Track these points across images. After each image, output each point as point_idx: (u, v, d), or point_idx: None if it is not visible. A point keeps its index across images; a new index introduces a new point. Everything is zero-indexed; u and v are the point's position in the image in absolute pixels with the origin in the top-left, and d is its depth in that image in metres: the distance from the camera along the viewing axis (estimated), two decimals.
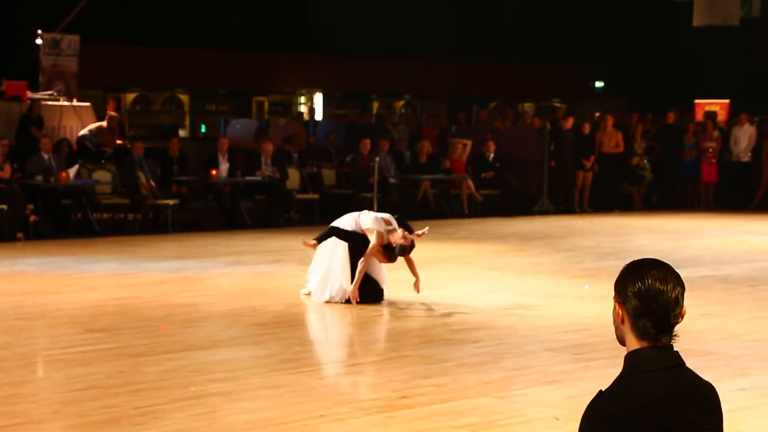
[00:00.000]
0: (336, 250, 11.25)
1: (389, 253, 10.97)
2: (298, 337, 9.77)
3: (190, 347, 8.91)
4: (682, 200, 23.95)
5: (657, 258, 3.21)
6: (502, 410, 7.07)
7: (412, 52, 30.69)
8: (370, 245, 10.97)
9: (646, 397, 3.04)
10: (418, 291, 11.14)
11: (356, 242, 11.15)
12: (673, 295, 3.10)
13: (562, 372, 8.19)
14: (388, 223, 11.11)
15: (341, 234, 11.21)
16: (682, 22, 24.58)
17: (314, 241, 11.42)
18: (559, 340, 9.37)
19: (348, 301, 11.06)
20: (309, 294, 11.40)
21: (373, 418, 6.87)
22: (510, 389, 7.66)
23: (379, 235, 10.95)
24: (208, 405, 7.08)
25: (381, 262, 11.17)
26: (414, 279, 11.16)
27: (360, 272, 11.00)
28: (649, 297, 3.09)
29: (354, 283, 11.00)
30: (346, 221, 11.34)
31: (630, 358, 3.14)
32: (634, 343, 3.14)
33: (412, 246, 11.04)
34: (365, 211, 11.45)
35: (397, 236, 10.97)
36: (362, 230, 11.12)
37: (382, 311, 10.97)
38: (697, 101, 27.23)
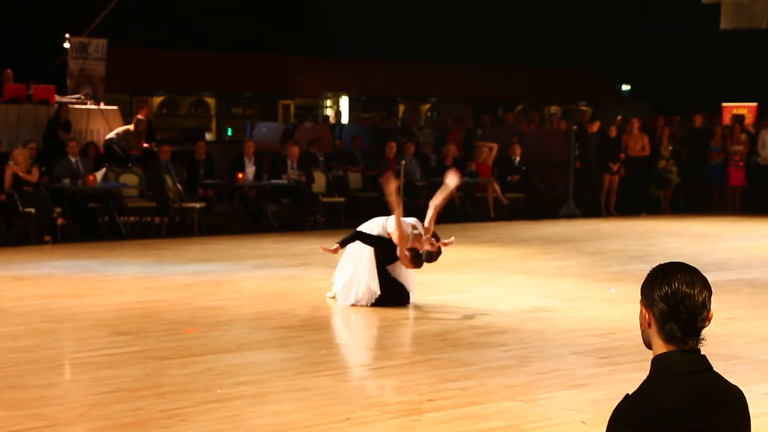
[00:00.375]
0: (363, 253, 11.24)
1: (416, 258, 10.94)
2: (323, 340, 9.78)
3: (215, 350, 8.93)
4: (709, 204, 23.85)
5: (684, 261, 3.20)
6: (528, 414, 7.05)
7: (437, 55, 30.69)
8: (393, 236, 10.89)
9: (673, 401, 3.02)
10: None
11: (382, 247, 11.14)
12: (700, 298, 3.09)
13: (588, 376, 8.16)
14: (414, 227, 11.09)
15: (366, 238, 11.20)
16: (710, 25, 24.47)
17: (336, 245, 11.40)
18: (586, 344, 9.34)
19: (374, 305, 11.06)
20: (334, 297, 11.41)
21: (399, 422, 6.86)
22: (536, 393, 7.63)
23: (403, 233, 10.86)
24: (233, 408, 7.09)
25: (407, 267, 11.15)
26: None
27: (398, 226, 10.91)
28: (676, 301, 3.08)
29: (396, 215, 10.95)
30: (374, 225, 11.33)
31: (657, 362, 3.13)
32: (660, 347, 3.13)
33: (439, 252, 11.01)
34: (393, 216, 11.42)
35: (424, 242, 10.95)
36: (388, 233, 11.11)
37: (408, 314, 10.97)
38: (724, 104, 27.10)
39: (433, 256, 10.94)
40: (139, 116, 20.26)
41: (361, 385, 8.28)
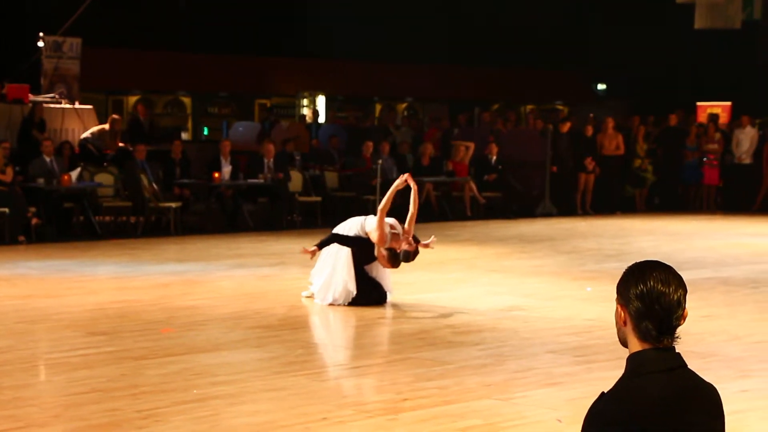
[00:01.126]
0: (340, 253, 11.24)
1: (394, 258, 10.95)
2: (300, 340, 9.76)
3: (192, 350, 8.90)
4: (684, 202, 23.95)
5: (659, 260, 3.21)
6: (505, 412, 7.07)
7: (413, 55, 30.70)
8: (372, 232, 10.91)
9: (648, 399, 3.04)
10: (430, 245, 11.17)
11: (359, 247, 11.14)
12: (675, 297, 3.10)
13: (564, 374, 8.18)
14: (393, 227, 11.10)
15: (343, 240, 11.19)
16: (684, 25, 24.58)
17: (314, 247, 11.36)
18: (561, 342, 9.36)
19: (351, 304, 11.06)
20: (311, 296, 11.40)
21: (376, 421, 6.86)
22: (512, 391, 7.65)
23: (383, 232, 10.88)
24: (210, 408, 7.07)
25: (385, 267, 11.16)
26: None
27: (380, 217, 10.94)
28: (651, 299, 3.09)
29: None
30: (351, 225, 11.33)
31: (632, 360, 3.14)
32: (636, 345, 3.14)
33: (416, 252, 11.03)
34: (371, 216, 11.42)
35: (401, 241, 10.96)
36: (367, 233, 11.12)
37: (385, 314, 10.97)
38: (699, 103, 27.22)
39: (410, 255, 10.95)
40: (115, 116, 20.19)
41: (338, 384, 8.28)
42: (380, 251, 10.96)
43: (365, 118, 28.09)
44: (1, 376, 7.93)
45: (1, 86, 19.32)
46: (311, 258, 11.31)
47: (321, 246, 11.31)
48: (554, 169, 22.20)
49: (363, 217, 11.40)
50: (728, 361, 8.67)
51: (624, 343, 3.20)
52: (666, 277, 3.12)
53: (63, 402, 7.28)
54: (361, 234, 11.16)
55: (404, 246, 10.91)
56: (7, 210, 16.15)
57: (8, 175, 16.39)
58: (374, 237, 10.96)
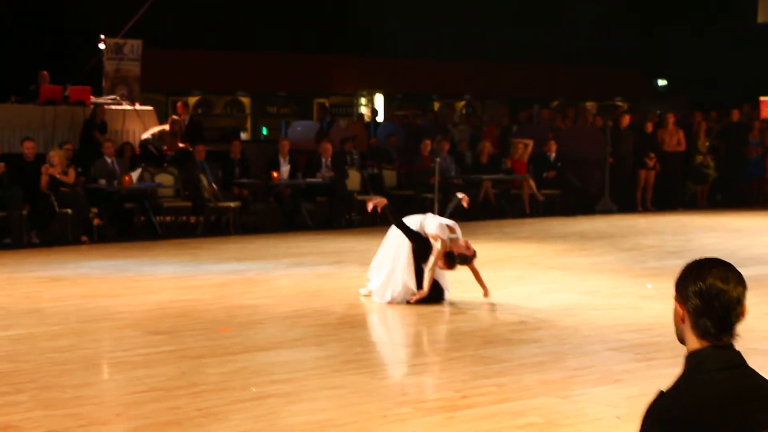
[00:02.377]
0: (400, 250, 11.24)
1: (450, 261, 10.96)
2: (359, 338, 9.77)
3: (251, 349, 8.94)
4: (747, 198, 23.66)
5: (719, 257, 3.16)
6: (564, 410, 7.02)
7: (472, 52, 30.63)
8: (434, 252, 10.95)
9: (706, 397, 3.00)
10: (487, 297, 11.13)
11: (420, 244, 11.13)
12: (735, 294, 3.06)
13: (624, 372, 8.11)
14: (452, 230, 11.08)
15: (407, 230, 11.18)
16: (747, 18, 24.27)
17: (383, 206, 11.44)
18: (621, 340, 9.29)
19: (410, 302, 11.05)
20: (369, 294, 11.40)
21: (434, 419, 6.85)
22: (571, 389, 7.60)
23: (443, 243, 10.94)
24: (268, 406, 7.10)
25: (440, 268, 11.15)
26: (482, 290, 11.15)
27: (429, 280, 10.98)
28: (710, 296, 3.05)
29: (425, 287, 11.00)
30: (412, 222, 11.33)
31: (690, 358, 3.10)
32: (694, 343, 3.10)
33: (474, 255, 10.99)
34: (430, 215, 11.41)
35: (460, 245, 10.94)
36: (425, 234, 11.11)
37: (443, 311, 10.94)
38: (762, 98, 26.86)
39: (467, 259, 10.94)
40: (174, 117, 20.34)
41: (396, 382, 8.27)
42: (439, 255, 10.95)
43: (423, 115, 28.05)
44: (63, 374, 8.02)
45: (63, 89, 19.55)
46: (371, 207, 11.26)
47: (389, 210, 11.37)
48: (610, 160, 21.95)
49: (423, 216, 11.39)
50: None
51: (682, 340, 3.16)
52: (725, 274, 3.08)
53: (124, 400, 7.34)
54: (420, 232, 11.16)
55: (462, 250, 10.89)
56: (69, 211, 16.33)
57: (71, 177, 16.57)
58: (434, 253, 10.96)
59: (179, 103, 21.02)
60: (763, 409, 3.05)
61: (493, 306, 10.98)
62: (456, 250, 10.92)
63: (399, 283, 11.13)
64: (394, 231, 11.44)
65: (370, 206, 11.61)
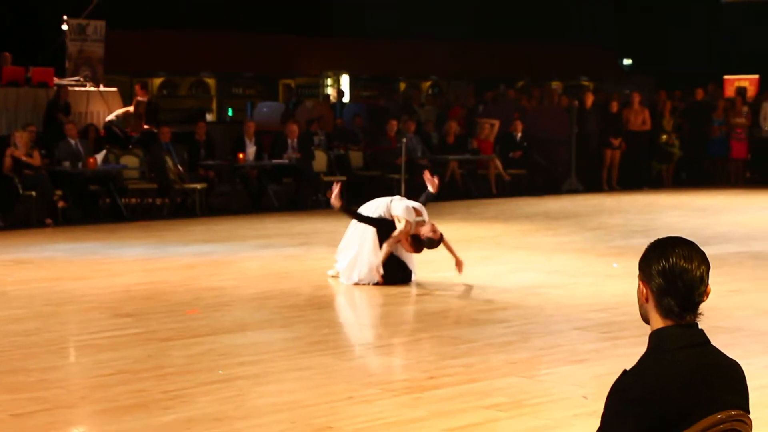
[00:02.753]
0: (366, 232, 11.24)
1: (417, 244, 10.96)
2: (326, 320, 9.77)
3: (217, 331, 8.92)
4: (711, 177, 23.81)
5: (683, 236, 3.18)
6: (530, 390, 7.05)
7: (438, 33, 30.60)
8: (397, 230, 10.97)
9: (670, 376, 3.02)
10: (460, 272, 11.11)
11: (385, 227, 11.12)
12: (698, 273, 3.08)
13: (590, 351, 8.15)
14: (418, 214, 11.07)
15: (367, 220, 11.17)
16: None
17: (341, 202, 11.32)
18: (587, 319, 9.33)
19: (376, 283, 11.05)
20: (336, 275, 11.40)
21: (401, 399, 6.86)
22: (538, 369, 7.63)
23: (408, 224, 10.93)
24: (235, 388, 7.09)
25: (408, 251, 11.16)
26: (455, 261, 11.13)
27: (384, 255, 11.01)
28: (674, 275, 3.07)
29: (379, 263, 11.01)
30: (378, 204, 11.31)
31: (654, 337, 3.12)
32: (658, 322, 3.12)
33: (440, 240, 10.97)
34: (398, 198, 11.40)
35: (427, 229, 10.93)
36: (392, 216, 11.10)
37: (410, 292, 10.95)
38: (726, 77, 27.02)
39: (434, 242, 10.93)
40: (139, 98, 20.21)
41: (363, 363, 8.28)
42: (405, 238, 10.96)
43: (389, 96, 28.02)
44: (29, 358, 7.98)
45: (26, 70, 19.38)
46: (334, 199, 11.22)
47: (345, 210, 11.32)
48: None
49: (389, 198, 11.38)
50: (756, 336, 8.61)
51: (646, 319, 3.18)
52: (688, 253, 3.10)
53: (90, 383, 7.31)
54: (387, 216, 11.15)
55: (428, 233, 10.87)
56: (34, 193, 16.22)
57: (35, 159, 16.46)
58: (398, 233, 10.95)
59: (137, 86, 20.87)
60: (725, 387, 3.08)
61: (460, 286, 10.99)
62: (422, 234, 10.92)
63: (365, 264, 11.13)
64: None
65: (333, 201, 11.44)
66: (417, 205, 11.21)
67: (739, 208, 18.73)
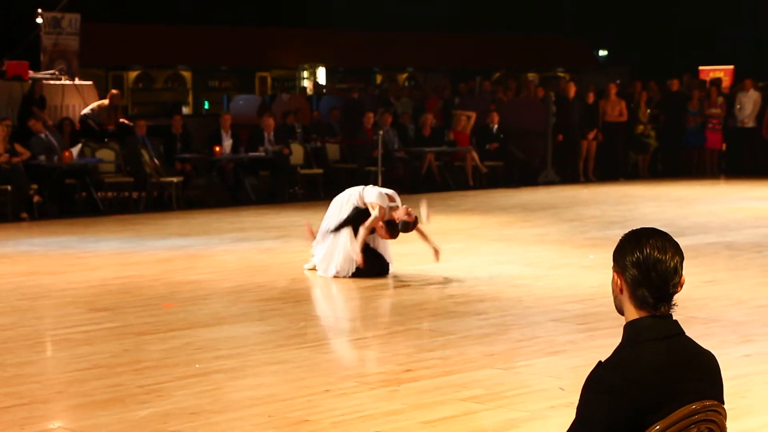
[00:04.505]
0: (341, 221, 11.22)
1: (392, 229, 10.95)
2: (302, 313, 9.76)
3: (194, 325, 8.90)
4: (687, 168, 23.89)
5: (659, 227, 3.19)
6: (507, 381, 7.06)
7: (414, 24, 30.59)
8: (371, 217, 10.96)
9: (644, 367, 3.02)
10: (437, 260, 11.11)
11: (359, 218, 11.12)
12: (672, 264, 3.08)
13: (567, 342, 8.17)
14: (391, 199, 11.07)
15: (342, 224, 11.14)
16: None
17: (310, 230, 11.47)
18: (564, 311, 9.35)
19: (353, 276, 11.04)
20: (313, 269, 11.39)
21: (378, 392, 6.86)
22: (515, 360, 7.64)
23: (382, 209, 10.94)
24: (212, 382, 7.07)
25: (383, 238, 11.15)
26: (432, 250, 11.11)
27: (361, 240, 10.99)
28: (648, 266, 3.08)
29: (357, 250, 10.99)
30: (351, 194, 11.31)
31: (629, 328, 3.13)
32: (632, 313, 3.13)
33: (415, 223, 10.99)
34: (370, 186, 11.41)
35: (401, 213, 10.93)
36: (365, 203, 11.09)
37: (387, 284, 10.95)
38: (701, 68, 27.11)
39: (409, 226, 10.93)
40: (114, 91, 20.11)
41: (340, 356, 8.28)
42: (379, 224, 10.97)
43: (366, 89, 28.00)
44: (4, 353, 7.94)
45: (0, 63, 19.26)
46: (309, 236, 11.37)
47: (322, 232, 11.31)
48: (560, 137, 22.07)
49: (361, 187, 11.37)
50: (731, 326, 8.65)
51: (621, 310, 3.19)
52: (662, 244, 3.10)
53: (66, 378, 7.28)
54: (359, 204, 11.14)
55: (403, 217, 10.88)
56: (9, 187, 16.13)
57: (25, 153, 16.45)
58: (372, 221, 10.94)
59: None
60: (699, 378, 3.09)
61: (437, 279, 10.99)
62: (397, 218, 10.91)
63: (341, 255, 11.11)
64: (334, 205, 11.42)
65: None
66: (389, 191, 11.21)
67: (714, 198, 18.80)
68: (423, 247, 11.28)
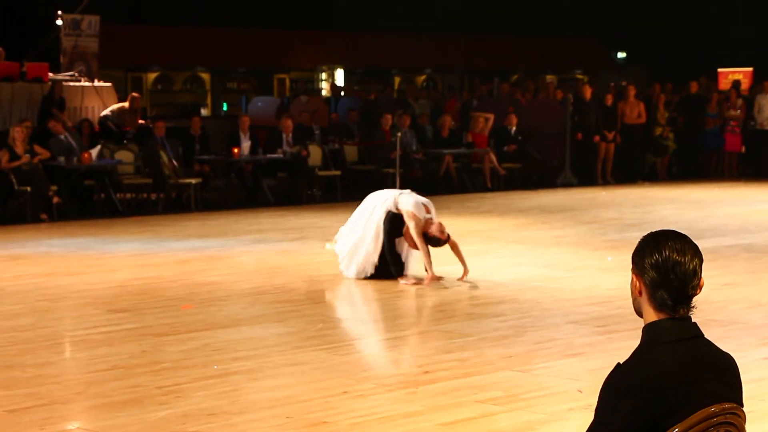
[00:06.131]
0: (371, 220, 11.04)
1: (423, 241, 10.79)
2: (320, 314, 9.76)
3: (212, 326, 8.92)
4: (706, 170, 23.82)
5: (678, 229, 3.18)
6: (525, 384, 7.05)
7: (432, 25, 30.59)
8: (412, 233, 10.70)
9: (663, 369, 3.02)
10: (462, 279, 10.82)
11: (393, 227, 10.94)
12: (691, 266, 3.08)
13: (585, 344, 8.16)
14: (427, 210, 10.87)
15: (389, 249, 10.99)
16: None
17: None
18: (582, 313, 9.34)
19: (371, 277, 10.98)
20: (332, 250, 11.27)
21: (396, 394, 6.86)
22: (533, 362, 7.64)
23: (417, 223, 10.71)
24: (230, 383, 7.09)
25: (411, 247, 11.03)
26: (463, 268, 10.85)
27: (428, 264, 10.72)
28: (667, 268, 3.07)
29: (430, 270, 10.76)
30: (386, 197, 11.08)
31: (648, 330, 3.12)
32: (651, 315, 3.13)
33: (446, 241, 10.81)
34: (407, 192, 11.14)
35: (435, 229, 10.72)
36: (399, 210, 10.91)
37: (405, 287, 10.93)
38: (720, 70, 27.03)
39: (440, 242, 10.72)
40: (134, 94, 20.18)
41: (358, 358, 8.28)
42: (410, 236, 10.79)
43: (384, 90, 28.01)
44: (24, 353, 7.98)
45: (20, 65, 19.35)
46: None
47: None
48: (579, 136, 22.01)
49: (397, 192, 11.15)
50: (750, 329, 8.62)
51: (639, 313, 3.18)
52: (681, 246, 3.10)
53: (85, 379, 7.31)
54: (393, 209, 10.97)
55: (435, 233, 10.75)
56: (28, 188, 16.20)
57: (44, 153, 16.54)
58: (411, 227, 10.76)
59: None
60: (719, 380, 3.08)
61: (454, 280, 10.96)
62: (430, 232, 10.77)
63: (362, 256, 11.05)
64: (367, 206, 11.29)
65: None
66: (426, 201, 11.05)
67: (733, 201, 18.74)
68: (442, 251, 11.17)
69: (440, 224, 10.80)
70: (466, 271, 10.90)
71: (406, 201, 10.89)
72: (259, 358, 7.80)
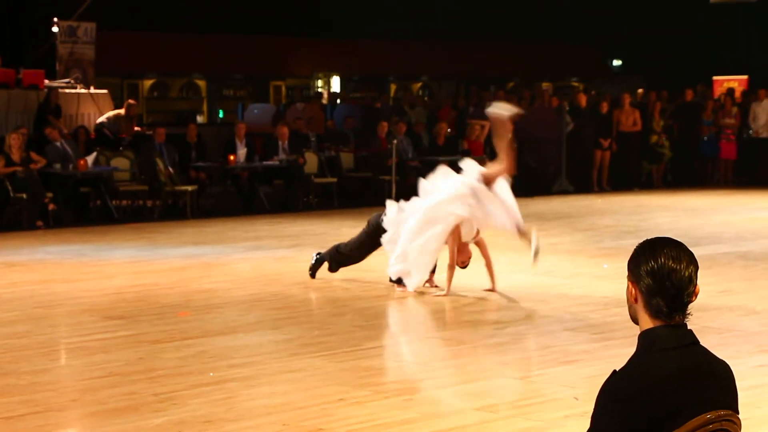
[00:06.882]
0: (435, 227, 10.68)
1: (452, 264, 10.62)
2: (316, 322, 9.76)
3: (208, 333, 8.92)
4: (701, 177, 23.86)
5: (673, 236, 3.19)
6: (522, 391, 7.06)
7: (428, 33, 30.62)
8: (451, 239, 10.56)
9: (659, 376, 3.03)
10: (486, 291, 10.68)
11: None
12: (687, 273, 3.09)
13: (582, 352, 8.16)
14: (477, 234, 10.69)
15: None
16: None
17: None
18: (578, 320, 9.34)
19: (396, 281, 10.80)
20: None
21: (393, 401, 6.86)
22: (529, 370, 7.64)
23: (455, 238, 10.48)
24: (227, 390, 7.09)
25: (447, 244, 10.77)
26: (490, 281, 10.72)
27: (449, 269, 10.61)
28: (662, 275, 3.08)
29: (447, 287, 10.61)
30: (464, 182, 10.86)
31: (643, 337, 3.13)
32: (647, 322, 3.13)
33: (465, 267, 10.75)
34: (474, 198, 10.82)
35: (464, 256, 10.61)
36: (481, 174, 10.67)
37: (402, 294, 10.92)
38: (715, 78, 27.07)
39: (464, 264, 10.73)
40: (130, 101, 20.18)
41: (354, 365, 8.26)
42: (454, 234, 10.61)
43: (380, 97, 28.03)
44: (19, 360, 7.97)
45: (16, 72, 19.34)
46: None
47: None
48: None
49: (472, 186, 10.91)
50: (746, 336, 8.63)
51: (635, 320, 3.19)
52: (677, 253, 3.11)
53: (81, 386, 7.30)
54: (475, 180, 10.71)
55: (458, 262, 10.55)
56: (24, 195, 16.20)
57: (41, 160, 16.54)
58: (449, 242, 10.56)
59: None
60: (714, 387, 3.09)
61: (451, 288, 10.95)
62: (458, 260, 10.62)
63: (414, 265, 10.59)
64: (439, 191, 10.97)
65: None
66: (484, 219, 10.72)
67: (729, 208, 18.76)
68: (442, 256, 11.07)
69: (470, 255, 10.63)
70: (492, 288, 10.71)
71: (463, 210, 10.64)
72: (256, 365, 7.80)
